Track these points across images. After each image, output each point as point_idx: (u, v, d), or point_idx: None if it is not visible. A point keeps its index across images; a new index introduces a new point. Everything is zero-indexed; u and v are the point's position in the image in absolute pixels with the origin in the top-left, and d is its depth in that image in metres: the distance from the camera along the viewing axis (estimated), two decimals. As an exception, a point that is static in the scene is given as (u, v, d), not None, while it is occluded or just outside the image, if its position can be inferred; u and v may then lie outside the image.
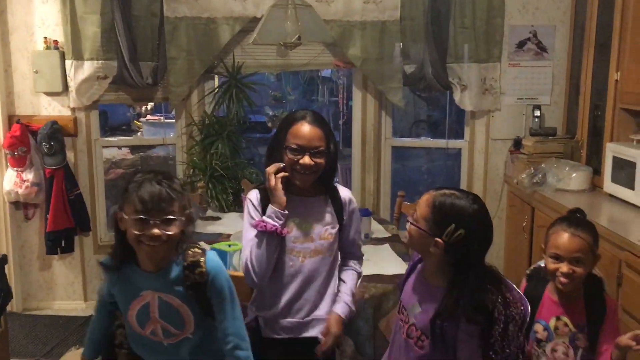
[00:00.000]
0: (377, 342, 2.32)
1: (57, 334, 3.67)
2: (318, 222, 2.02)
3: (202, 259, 1.74)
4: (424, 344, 1.65)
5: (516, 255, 3.80)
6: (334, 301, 2.06)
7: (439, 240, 1.59)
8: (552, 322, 1.91)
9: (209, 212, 3.61)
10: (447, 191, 1.63)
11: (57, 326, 3.79)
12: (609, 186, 3.17)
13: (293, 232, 1.99)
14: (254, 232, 1.97)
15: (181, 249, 1.73)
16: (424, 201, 1.65)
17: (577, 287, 1.89)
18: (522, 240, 3.64)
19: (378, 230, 3.24)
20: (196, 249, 1.77)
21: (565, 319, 1.89)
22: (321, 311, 2.03)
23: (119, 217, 1.67)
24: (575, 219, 1.92)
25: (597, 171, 3.40)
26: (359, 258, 2.19)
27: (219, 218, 3.47)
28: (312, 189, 2.03)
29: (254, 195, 2.05)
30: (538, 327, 1.92)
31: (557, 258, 1.85)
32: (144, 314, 1.74)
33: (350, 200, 2.09)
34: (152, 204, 1.61)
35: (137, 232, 1.62)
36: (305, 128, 1.94)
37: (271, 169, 1.95)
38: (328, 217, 2.04)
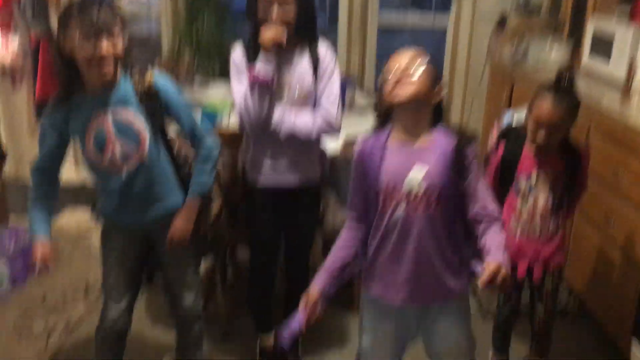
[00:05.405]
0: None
1: (51, 197, 3.79)
2: (294, 74, 2.09)
3: (148, 71, 1.89)
4: (432, 201, 1.59)
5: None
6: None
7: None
8: (534, 174, 2.08)
9: (197, 81, 3.66)
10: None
11: (51, 190, 3.92)
12: (587, 61, 3.26)
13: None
14: (242, 85, 2.06)
15: (127, 66, 1.86)
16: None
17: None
18: (500, 116, 3.76)
19: (362, 101, 3.36)
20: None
21: (545, 169, 2.07)
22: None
23: (62, 44, 1.73)
24: (560, 88, 2.02)
25: (578, 46, 3.47)
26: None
27: (206, 85, 3.54)
28: (291, 42, 2.06)
29: (238, 52, 2.13)
30: (520, 180, 2.10)
31: (538, 123, 2.00)
32: (101, 137, 1.85)
33: (325, 55, 2.12)
34: (98, 24, 1.69)
35: (85, 53, 1.71)
36: None
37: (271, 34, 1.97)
38: (305, 68, 2.10)
